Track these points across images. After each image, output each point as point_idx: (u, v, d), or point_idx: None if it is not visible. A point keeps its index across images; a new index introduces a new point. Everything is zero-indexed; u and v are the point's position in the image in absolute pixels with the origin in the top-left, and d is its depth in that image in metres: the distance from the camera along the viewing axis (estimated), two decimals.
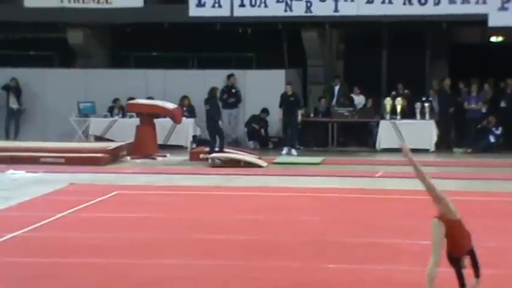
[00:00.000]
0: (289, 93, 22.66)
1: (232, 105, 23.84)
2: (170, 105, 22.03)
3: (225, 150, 20.92)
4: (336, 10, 22.81)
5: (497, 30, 24.76)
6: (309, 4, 22.91)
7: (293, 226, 12.40)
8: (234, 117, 23.93)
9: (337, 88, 24.39)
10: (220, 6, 23.30)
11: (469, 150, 22.32)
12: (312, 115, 23.98)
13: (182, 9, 23.44)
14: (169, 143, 23.18)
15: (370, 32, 25.21)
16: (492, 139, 22.49)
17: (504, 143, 22.74)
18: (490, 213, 13.22)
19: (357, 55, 25.51)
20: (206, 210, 13.85)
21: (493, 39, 26.21)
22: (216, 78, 23.84)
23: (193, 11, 23.41)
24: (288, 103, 22.60)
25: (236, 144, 23.31)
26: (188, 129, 23.40)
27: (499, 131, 22.49)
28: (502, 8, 21.98)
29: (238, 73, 24.12)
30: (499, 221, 11.98)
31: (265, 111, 23.43)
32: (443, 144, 22.89)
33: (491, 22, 22.08)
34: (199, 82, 23.90)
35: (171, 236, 11.65)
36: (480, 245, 9.51)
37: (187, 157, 21.29)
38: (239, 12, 23.23)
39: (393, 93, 23.63)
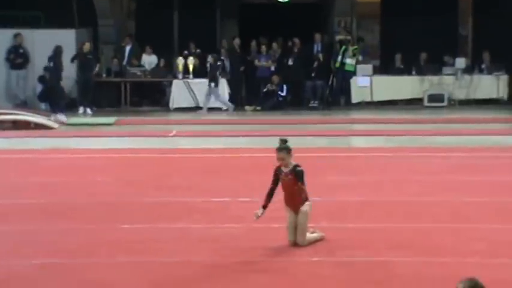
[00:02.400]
0: (86, 50, 22.34)
1: (20, 65, 23.15)
2: None
3: (14, 112, 20.38)
4: None
5: None
6: None
7: (87, 188, 12.30)
8: (22, 78, 23.24)
9: (128, 48, 24.20)
10: None
11: (259, 108, 22.88)
12: (104, 75, 23.69)
13: None
14: None
15: None
16: (279, 97, 23.15)
17: (292, 99, 23.48)
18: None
19: (149, 15, 25.42)
20: None
21: None
22: (2, 37, 23.04)
23: None
24: (85, 61, 22.29)
25: (25, 105, 22.70)
26: None
27: (283, 92, 23.13)
28: None
29: (25, 33, 23.37)
30: None
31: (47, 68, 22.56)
32: (235, 103, 23.31)
33: None
34: None
35: None
36: (272, 199, 9.76)
37: None
38: None
39: (185, 52, 23.74)
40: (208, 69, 22.42)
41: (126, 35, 24.83)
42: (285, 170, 8.96)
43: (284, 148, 8.96)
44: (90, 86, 22.60)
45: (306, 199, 8.96)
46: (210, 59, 22.44)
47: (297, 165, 8.95)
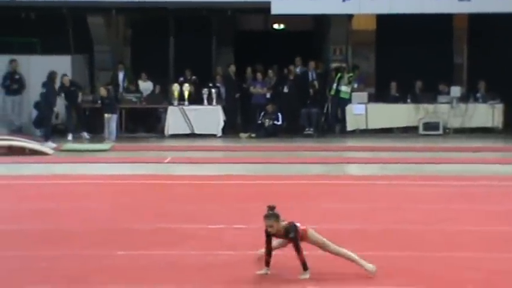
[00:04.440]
0: (67, 84, 22.48)
1: (15, 91, 23.22)
2: None
3: (9, 138, 20.39)
4: None
5: (279, 18, 25.54)
6: None
7: (82, 214, 12.29)
8: (17, 104, 23.31)
9: (121, 75, 24.27)
10: None
11: (254, 135, 22.91)
12: (99, 102, 23.69)
13: None
14: None
15: (157, 18, 25.26)
16: (275, 123, 23.16)
17: (287, 126, 23.51)
18: (276, 195, 13.62)
19: (144, 41, 25.52)
20: None
21: (276, 26, 27.01)
22: None
23: None
24: (69, 93, 22.42)
25: (21, 131, 22.71)
26: None
27: (279, 121, 23.17)
28: None
29: (21, 59, 23.46)
30: (287, 203, 12.39)
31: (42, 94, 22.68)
32: (230, 130, 23.36)
33: (274, 10, 22.70)
34: None
35: None
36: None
37: None
38: None
39: (181, 79, 23.83)
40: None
41: (119, 61, 24.90)
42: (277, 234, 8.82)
43: (272, 215, 8.71)
44: (79, 112, 22.77)
45: (303, 265, 8.79)
46: (102, 90, 22.48)
47: (288, 228, 8.72)
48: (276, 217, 8.74)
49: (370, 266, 8.88)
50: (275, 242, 8.94)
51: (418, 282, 8.67)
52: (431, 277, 8.87)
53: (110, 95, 22.54)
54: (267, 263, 8.84)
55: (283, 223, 8.77)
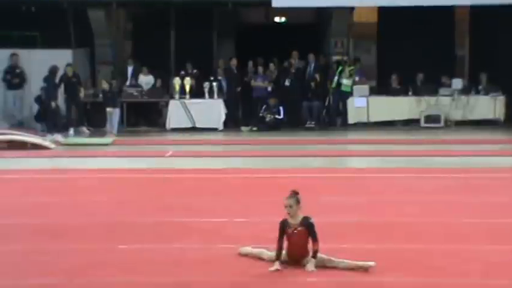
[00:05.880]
0: (70, 74, 22.36)
1: (16, 85, 23.17)
2: None
3: (11, 132, 20.37)
4: None
5: (280, 11, 25.49)
6: None
7: (83, 208, 12.29)
8: (19, 98, 23.26)
9: (130, 69, 24.21)
10: None
11: (255, 129, 22.88)
12: (100, 95, 23.65)
13: None
14: None
15: (157, 11, 25.22)
16: (276, 117, 23.12)
17: (288, 120, 23.47)
18: (277, 188, 13.61)
19: (145, 35, 25.47)
20: None
21: (277, 19, 26.96)
22: None
23: None
24: (70, 84, 22.32)
25: (22, 126, 22.69)
26: None
27: (281, 115, 23.12)
28: None
29: (22, 53, 23.39)
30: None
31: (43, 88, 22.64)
32: (231, 123, 23.33)
33: (275, 3, 22.65)
34: None
35: None
36: (268, 220, 9.86)
37: None
38: None
39: (182, 72, 23.78)
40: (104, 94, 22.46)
41: (129, 55, 24.83)
42: (292, 222, 8.88)
43: (294, 196, 8.89)
44: (79, 106, 22.65)
45: (315, 253, 8.81)
46: (104, 84, 22.49)
47: (307, 217, 8.87)
48: (297, 200, 8.87)
49: (369, 264, 8.84)
50: None
51: (420, 274, 8.66)
52: (433, 269, 8.86)
53: (111, 89, 22.51)
54: (278, 258, 8.84)
55: (300, 214, 8.86)
